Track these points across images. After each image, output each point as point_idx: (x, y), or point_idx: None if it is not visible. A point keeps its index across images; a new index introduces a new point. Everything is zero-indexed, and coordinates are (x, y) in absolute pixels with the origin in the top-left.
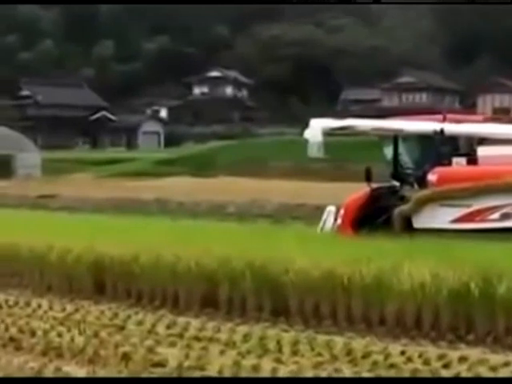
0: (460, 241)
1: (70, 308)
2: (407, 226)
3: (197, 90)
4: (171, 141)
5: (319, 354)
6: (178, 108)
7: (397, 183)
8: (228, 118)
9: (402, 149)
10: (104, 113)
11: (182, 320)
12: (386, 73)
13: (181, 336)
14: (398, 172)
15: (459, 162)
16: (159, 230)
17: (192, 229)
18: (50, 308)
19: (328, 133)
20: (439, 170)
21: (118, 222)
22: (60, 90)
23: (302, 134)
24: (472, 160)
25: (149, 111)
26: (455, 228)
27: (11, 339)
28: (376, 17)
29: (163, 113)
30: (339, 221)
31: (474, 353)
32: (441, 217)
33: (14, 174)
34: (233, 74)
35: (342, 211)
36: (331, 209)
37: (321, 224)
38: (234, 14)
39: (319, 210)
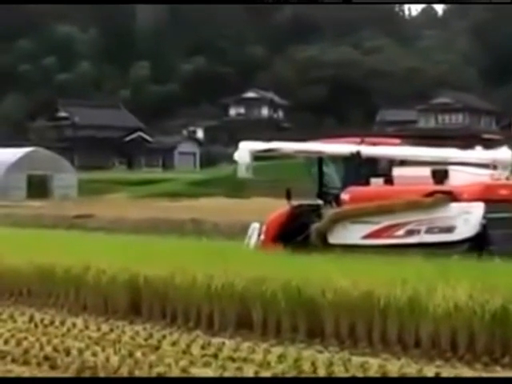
0: (496, 263)
1: (105, 328)
2: (324, 242)
3: (233, 111)
4: (207, 161)
5: (354, 376)
6: (213, 129)
7: (320, 201)
8: (263, 139)
9: (326, 169)
10: (140, 133)
11: (216, 341)
12: (423, 94)
13: (215, 356)
14: (321, 191)
15: (376, 182)
16: (194, 250)
17: (227, 249)
18: (86, 327)
19: (255, 155)
20: (351, 189)
21: (154, 242)
22: (97, 111)
23: None
24: (389, 180)
25: (185, 132)
26: (365, 244)
27: (46, 358)
28: (412, 37)
29: (199, 133)
30: (262, 237)
31: (509, 375)
32: (352, 233)
33: (51, 194)
34: (269, 95)
35: (264, 227)
36: (256, 225)
37: (246, 240)
38: (271, 35)
39: None
